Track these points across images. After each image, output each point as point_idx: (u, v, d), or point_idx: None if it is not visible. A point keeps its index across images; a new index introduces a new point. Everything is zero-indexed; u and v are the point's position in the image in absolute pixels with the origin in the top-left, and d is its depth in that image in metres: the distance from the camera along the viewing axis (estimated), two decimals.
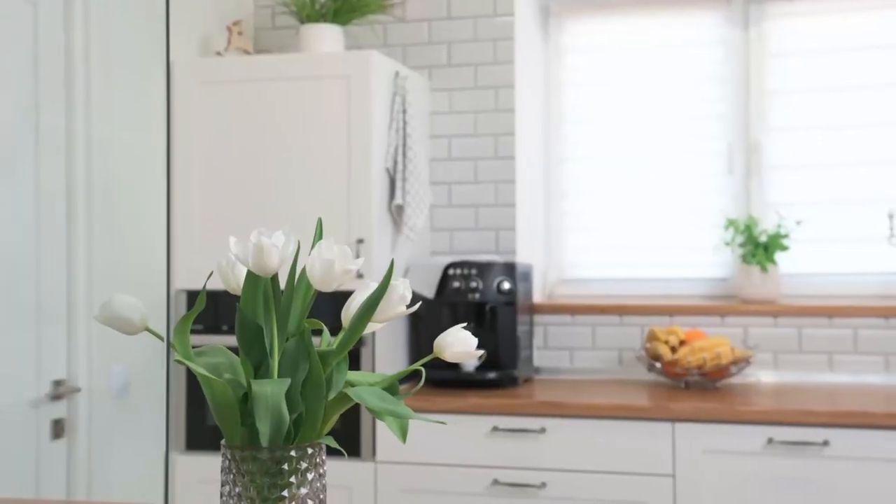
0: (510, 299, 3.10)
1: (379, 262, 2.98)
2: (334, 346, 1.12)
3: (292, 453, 1.07)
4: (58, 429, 2.57)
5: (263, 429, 1.05)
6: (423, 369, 1.16)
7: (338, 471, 2.92)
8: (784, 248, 3.24)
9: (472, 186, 3.42)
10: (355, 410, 2.92)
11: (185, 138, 3.07)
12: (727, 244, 3.33)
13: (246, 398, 1.11)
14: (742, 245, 3.29)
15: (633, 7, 3.52)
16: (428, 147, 3.44)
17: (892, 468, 2.55)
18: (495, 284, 3.09)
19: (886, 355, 3.12)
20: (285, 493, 1.07)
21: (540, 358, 3.41)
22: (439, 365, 3.16)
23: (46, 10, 2.55)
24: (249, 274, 1.12)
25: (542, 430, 2.79)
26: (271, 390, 1.06)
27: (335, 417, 1.15)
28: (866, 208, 3.30)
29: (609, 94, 3.54)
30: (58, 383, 2.57)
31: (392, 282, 1.11)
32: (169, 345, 1.09)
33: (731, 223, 3.31)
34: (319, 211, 2.97)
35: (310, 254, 1.11)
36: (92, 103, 2.69)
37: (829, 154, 3.34)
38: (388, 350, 3.07)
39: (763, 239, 3.27)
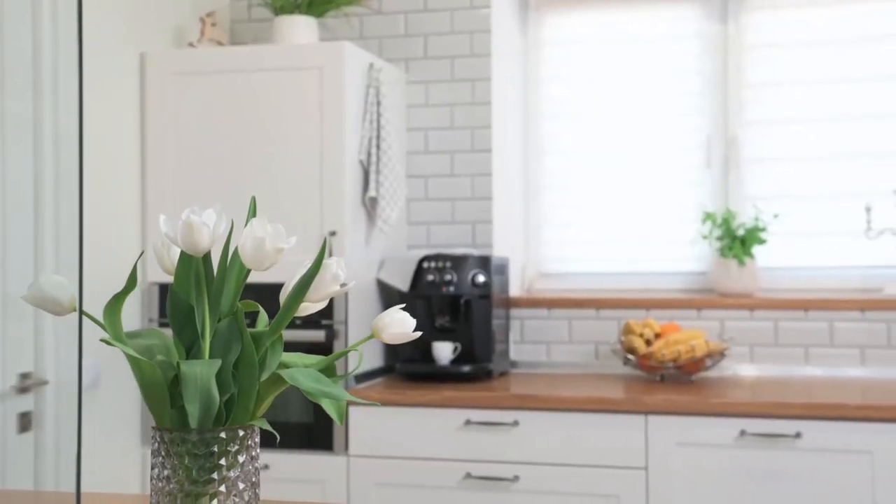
0: (485, 292, 3.09)
1: (352, 254, 2.96)
2: (267, 327, 1.10)
3: (222, 435, 1.06)
4: (24, 422, 2.54)
5: (192, 410, 1.04)
6: (360, 350, 1.14)
7: (310, 464, 2.90)
8: (761, 242, 3.23)
9: (448, 180, 3.40)
10: None
11: (158, 130, 3.05)
12: (704, 238, 3.31)
13: (178, 380, 1.09)
14: (719, 238, 3.28)
15: (612, 0, 3.51)
16: (404, 140, 3.42)
17: (864, 460, 2.53)
18: (470, 277, 3.07)
19: (862, 348, 3.11)
20: (215, 475, 1.05)
21: (517, 352, 3.39)
22: (414, 358, 3.15)
23: None
24: (183, 254, 1.11)
25: (515, 424, 2.78)
26: (200, 371, 1.05)
27: (270, 399, 1.13)
28: (844, 202, 3.29)
29: (588, 88, 3.53)
30: (24, 376, 2.55)
31: (325, 260, 1.09)
32: (103, 328, 1.08)
33: (708, 217, 3.30)
34: (292, 203, 2.96)
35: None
36: (60, 93, 2.66)
37: (806, 147, 3.33)
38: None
39: (740, 232, 3.25)
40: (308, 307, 1.15)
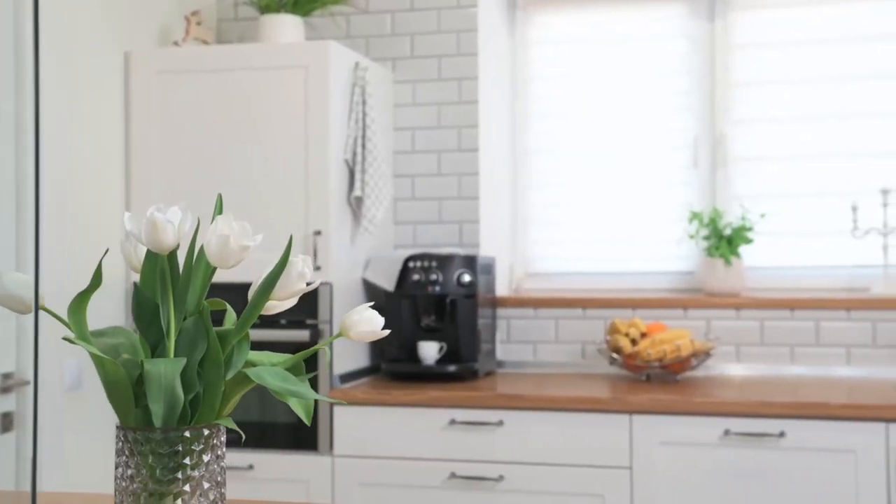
0: (470, 292, 3.08)
1: (337, 254, 2.95)
2: (233, 325, 1.09)
3: (186, 434, 1.05)
4: (6, 422, 2.53)
5: (156, 409, 1.03)
6: (328, 349, 1.14)
7: (295, 464, 2.89)
8: (748, 241, 3.23)
9: (435, 179, 3.39)
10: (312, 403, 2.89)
11: (142, 129, 3.04)
12: (691, 237, 3.31)
13: (143, 378, 1.08)
14: (706, 238, 3.27)
15: (600, 0, 3.51)
16: (391, 139, 3.41)
17: (847, 458, 2.53)
18: (455, 277, 3.06)
19: (848, 347, 3.11)
20: (179, 474, 1.04)
21: (504, 352, 3.39)
22: (399, 358, 3.14)
23: None
24: (148, 252, 1.10)
25: (500, 423, 2.77)
26: (165, 369, 1.04)
27: (237, 398, 1.12)
28: (830, 201, 3.29)
29: (575, 87, 3.52)
30: (6, 376, 2.54)
31: (291, 258, 1.08)
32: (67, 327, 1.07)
33: (695, 216, 3.29)
34: (277, 202, 2.95)
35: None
36: (42, 91, 2.65)
37: (793, 146, 3.33)
38: (349, 344, 3.04)
39: (727, 232, 3.25)
40: (277, 306, 1.14)
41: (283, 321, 2.94)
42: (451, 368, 3.03)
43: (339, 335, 1.13)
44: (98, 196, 2.90)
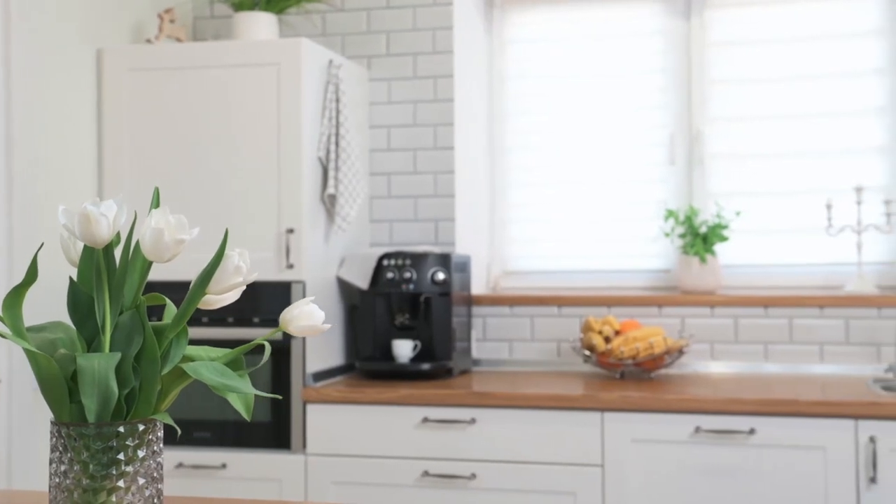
0: (445, 290, 3.07)
1: (310, 252, 2.94)
2: (170, 320, 1.09)
3: (120, 429, 1.04)
4: None
5: (89, 404, 1.02)
6: (267, 343, 1.13)
7: (268, 463, 2.88)
8: (723, 239, 3.23)
9: (411, 177, 3.39)
10: (285, 402, 2.88)
11: (115, 126, 3.03)
12: (667, 235, 3.31)
13: None
14: (682, 236, 3.27)
15: None
16: (367, 137, 3.40)
17: (817, 455, 2.53)
18: (429, 275, 3.06)
19: (821, 345, 3.11)
20: (113, 470, 1.03)
21: (479, 350, 3.38)
22: (375, 356, 3.14)
23: None
24: (86, 246, 1.09)
25: (472, 421, 2.76)
26: (98, 364, 1.03)
27: (175, 393, 1.11)
28: (805, 199, 3.29)
29: (552, 85, 3.52)
30: None
31: (227, 252, 1.07)
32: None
33: (670, 214, 3.29)
34: (250, 200, 2.94)
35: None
36: (12, 88, 2.64)
37: (768, 144, 3.33)
38: (322, 342, 3.03)
39: (703, 230, 3.25)
40: (217, 300, 1.14)
41: (255, 319, 2.93)
42: (425, 367, 3.02)
43: (278, 330, 1.12)
44: (70, 194, 2.89)
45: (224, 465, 2.90)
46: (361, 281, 3.09)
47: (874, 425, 2.50)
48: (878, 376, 3.00)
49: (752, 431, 2.56)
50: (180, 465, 2.92)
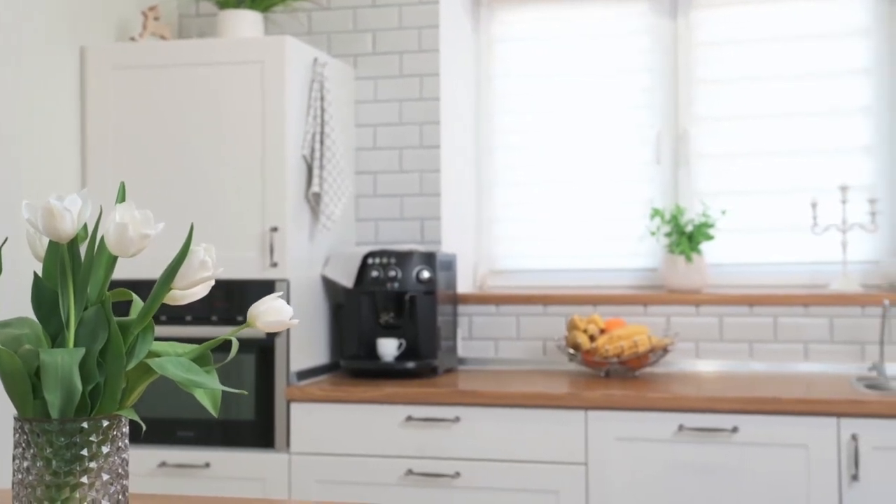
0: (429, 288, 3.07)
1: (294, 250, 2.94)
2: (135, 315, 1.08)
3: (84, 425, 1.03)
4: None
5: (52, 399, 1.02)
6: (235, 339, 1.12)
7: (251, 462, 2.88)
8: (709, 238, 3.23)
9: (397, 176, 3.38)
10: (269, 401, 2.87)
11: (98, 124, 3.01)
12: (653, 234, 3.31)
13: None
14: (668, 235, 3.27)
15: None
16: (352, 136, 3.40)
17: (799, 453, 2.53)
18: (414, 273, 3.05)
19: (806, 343, 3.11)
20: (76, 466, 1.03)
21: (465, 349, 3.38)
22: (359, 355, 3.13)
23: None
24: (51, 241, 1.08)
25: (457, 420, 2.76)
26: (62, 360, 1.02)
27: (140, 389, 1.11)
28: (791, 198, 3.29)
29: (539, 84, 3.52)
30: None
31: (193, 247, 1.07)
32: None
33: (656, 213, 3.29)
34: (234, 198, 2.93)
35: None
36: None
37: (754, 143, 3.33)
38: (306, 341, 3.03)
39: (689, 228, 3.25)
40: (184, 296, 1.13)
41: (239, 318, 2.92)
42: (410, 365, 3.02)
43: (246, 326, 1.12)
44: (53, 192, 2.88)
45: (208, 465, 2.89)
46: (346, 279, 3.08)
47: (856, 423, 2.50)
48: (861, 375, 3.01)
49: (735, 430, 2.56)
50: (163, 465, 2.91)
